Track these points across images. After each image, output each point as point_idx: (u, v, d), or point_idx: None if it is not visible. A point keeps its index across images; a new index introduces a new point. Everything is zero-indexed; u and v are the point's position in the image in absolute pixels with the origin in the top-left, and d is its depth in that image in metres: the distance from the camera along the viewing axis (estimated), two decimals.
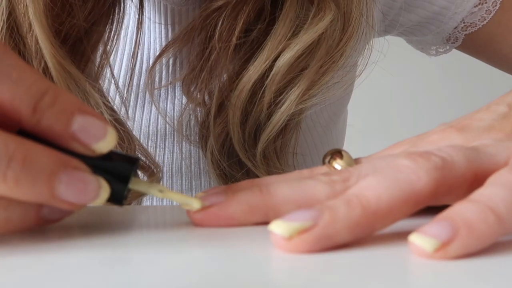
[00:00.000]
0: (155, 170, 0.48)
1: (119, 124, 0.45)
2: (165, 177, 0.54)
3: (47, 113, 0.24)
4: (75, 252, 0.25)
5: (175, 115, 0.53)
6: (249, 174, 0.48)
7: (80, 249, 0.25)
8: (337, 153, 0.32)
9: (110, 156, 0.26)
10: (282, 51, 0.44)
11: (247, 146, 0.47)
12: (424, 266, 0.22)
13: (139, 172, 0.47)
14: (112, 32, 0.46)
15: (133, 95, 0.53)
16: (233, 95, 0.46)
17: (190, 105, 0.49)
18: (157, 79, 0.51)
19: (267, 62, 0.44)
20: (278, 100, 0.46)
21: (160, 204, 0.55)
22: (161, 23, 0.51)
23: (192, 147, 0.54)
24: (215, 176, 0.49)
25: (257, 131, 0.47)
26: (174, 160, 0.54)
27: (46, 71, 0.41)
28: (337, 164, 0.32)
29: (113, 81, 0.48)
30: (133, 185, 0.27)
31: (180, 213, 0.31)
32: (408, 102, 1.54)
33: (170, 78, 0.51)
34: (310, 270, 0.22)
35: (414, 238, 0.23)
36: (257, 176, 0.47)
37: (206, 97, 0.48)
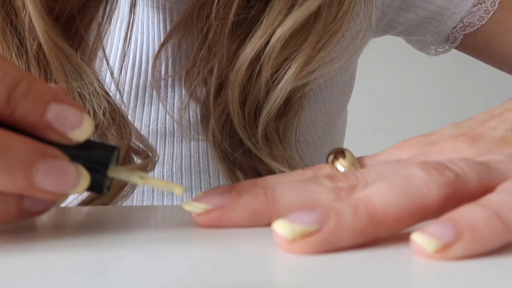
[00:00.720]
0: (150, 154, 0.48)
1: (114, 107, 0.45)
2: (165, 177, 0.54)
3: (22, 103, 0.23)
4: (75, 252, 0.25)
5: (175, 109, 0.52)
6: (252, 157, 0.48)
7: (80, 249, 0.25)
8: (340, 152, 0.32)
9: (88, 144, 0.26)
10: (278, 26, 0.44)
11: (248, 127, 0.47)
12: (426, 266, 0.22)
13: (135, 158, 0.47)
14: (106, 12, 0.46)
15: (132, 95, 0.53)
16: (232, 74, 0.45)
17: (192, 95, 0.49)
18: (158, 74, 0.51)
19: (263, 39, 0.44)
20: (275, 77, 0.45)
21: (161, 204, 0.55)
22: (159, 8, 0.51)
23: (192, 145, 0.54)
24: (217, 159, 0.48)
25: (257, 111, 0.47)
26: (174, 159, 0.54)
27: (39, 48, 0.41)
28: (340, 165, 0.32)
29: (106, 64, 0.47)
30: (113, 172, 0.27)
31: (181, 213, 0.31)
32: (408, 101, 1.54)
33: (171, 70, 0.51)
34: (311, 270, 0.22)
35: (416, 236, 0.23)
36: (260, 160, 0.47)
37: (206, 78, 0.48)
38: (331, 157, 0.32)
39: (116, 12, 0.47)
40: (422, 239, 0.22)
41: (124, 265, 0.24)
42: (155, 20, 0.51)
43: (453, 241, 0.22)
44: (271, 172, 0.48)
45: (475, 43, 0.57)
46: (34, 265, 0.23)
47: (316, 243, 0.23)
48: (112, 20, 0.47)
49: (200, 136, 0.53)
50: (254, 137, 0.47)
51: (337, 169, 0.32)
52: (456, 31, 0.56)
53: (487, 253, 0.23)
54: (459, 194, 0.25)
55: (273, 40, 0.44)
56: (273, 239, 0.24)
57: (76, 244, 0.26)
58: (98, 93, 0.43)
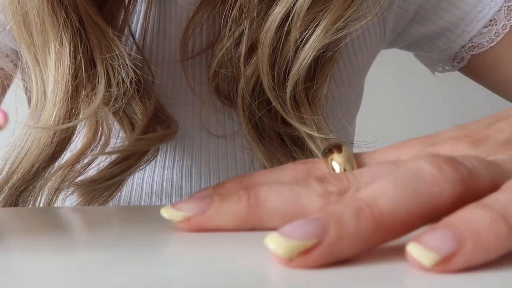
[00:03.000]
0: (170, 124, 0.49)
1: (140, 79, 0.46)
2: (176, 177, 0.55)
3: None
4: (74, 252, 0.25)
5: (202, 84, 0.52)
6: (279, 120, 0.48)
7: (80, 250, 0.25)
8: (337, 147, 0.31)
9: None
10: None
11: (277, 89, 0.47)
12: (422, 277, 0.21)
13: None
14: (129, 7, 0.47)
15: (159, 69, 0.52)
16: (262, 34, 0.45)
17: (222, 62, 0.49)
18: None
19: None
20: (304, 36, 0.45)
21: (148, 203, 0.55)
22: None
23: (218, 140, 0.54)
24: (245, 124, 0.48)
25: (287, 72, 0.47)
26: (195, 159, 0.54)
27: (80, 22, 0.43)
28: (335, 162, 0.30)
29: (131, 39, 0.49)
30: None
31: None
32: (409, 103, 1.54)
33: (200, 47, 0.51)
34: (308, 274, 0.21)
35: (411, 248, 0.21)
36: (288, 124, 0.47)
37: (238, 40, 0.48)
38: (327, 151, 0.31)
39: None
40: (419, 252, 0.20)
41: (124, 265, 0.23)
42: None
43: (454, 253, 0.20)
44: (295, 140, 0.48)
45: (481, 65, 0.55)
46: (33, 264, 0.23)
47: (315, 260, 0.21)
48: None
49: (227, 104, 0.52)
50: (283, 99, 0.47)
51: (331, 165, 0.30)
52: (464, 50, 0.55)
53: (490, 262, 0.21)
54: (472, 192, 0.23)
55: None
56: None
57: (75, 245, 0.26)
58: (127, 65, 0.44)
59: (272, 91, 0.47)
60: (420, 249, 0.20)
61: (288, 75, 0.47)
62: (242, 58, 0.47)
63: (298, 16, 0.44)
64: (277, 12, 0.45)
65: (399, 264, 0.22)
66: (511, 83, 0.55)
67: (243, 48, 0.47)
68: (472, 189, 0.23)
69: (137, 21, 0.51)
